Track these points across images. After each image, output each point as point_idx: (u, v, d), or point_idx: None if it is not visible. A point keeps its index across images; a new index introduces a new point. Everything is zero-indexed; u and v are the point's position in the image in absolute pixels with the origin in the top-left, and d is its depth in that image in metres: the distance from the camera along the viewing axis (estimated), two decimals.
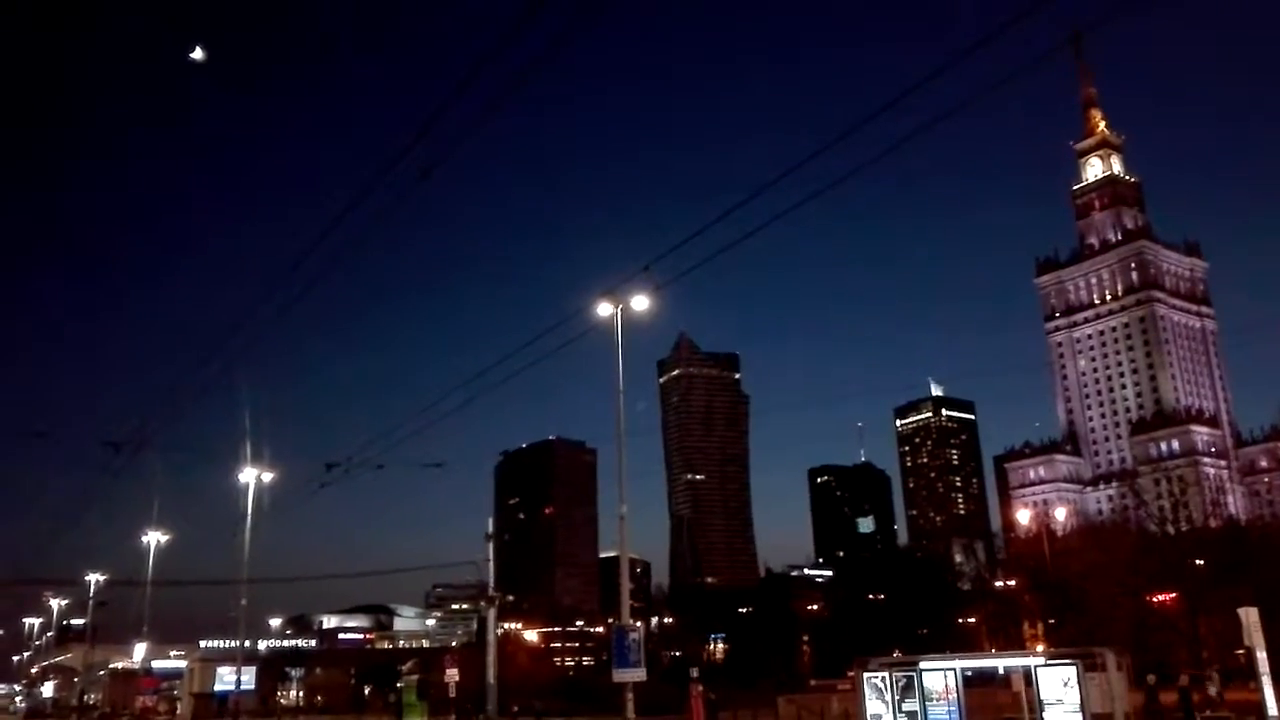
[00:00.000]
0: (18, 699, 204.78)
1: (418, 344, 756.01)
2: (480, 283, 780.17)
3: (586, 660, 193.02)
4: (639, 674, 41.99)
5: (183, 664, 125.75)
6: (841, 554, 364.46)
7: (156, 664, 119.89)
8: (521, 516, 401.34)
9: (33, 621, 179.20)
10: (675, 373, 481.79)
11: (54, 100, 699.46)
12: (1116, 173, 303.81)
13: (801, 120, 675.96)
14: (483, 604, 58.36)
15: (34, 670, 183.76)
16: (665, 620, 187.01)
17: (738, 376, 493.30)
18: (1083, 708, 31.09)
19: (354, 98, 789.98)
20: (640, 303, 42.84)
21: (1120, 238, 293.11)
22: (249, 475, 72.48)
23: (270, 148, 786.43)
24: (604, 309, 43.28)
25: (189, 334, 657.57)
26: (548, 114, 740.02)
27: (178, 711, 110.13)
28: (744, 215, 25.31)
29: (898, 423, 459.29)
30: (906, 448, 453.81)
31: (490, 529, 57.45)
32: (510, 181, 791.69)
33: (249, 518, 72.37)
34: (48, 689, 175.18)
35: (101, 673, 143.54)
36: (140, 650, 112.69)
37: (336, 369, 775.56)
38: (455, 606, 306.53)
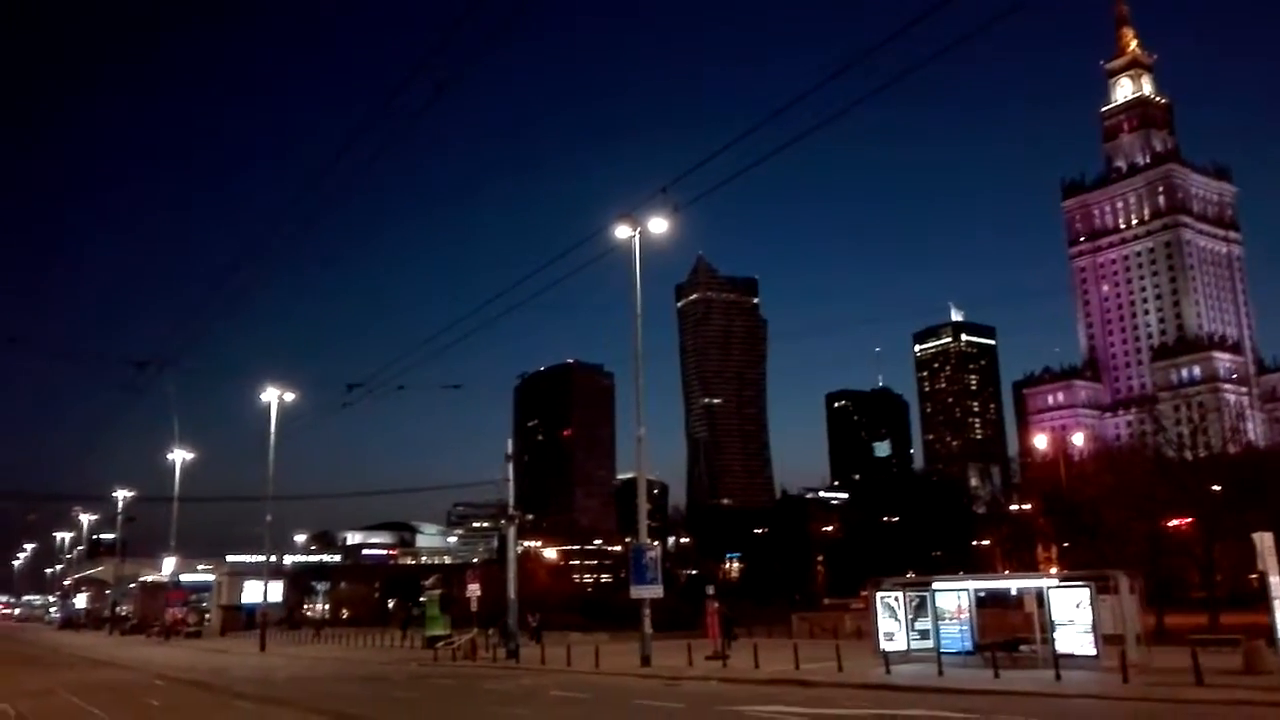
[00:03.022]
0: (52, 609, 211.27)
1: (437, 266, 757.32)
2: (499, 205, 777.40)
3: (605, 578, 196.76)
4: (656, 591, 42.87)
5: (210, 578, 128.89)
6: (857, 478, 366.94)
7: (185, 577, 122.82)
8: (540, 438, 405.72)
9: (64, 535, 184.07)
10: (693, 296, 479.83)
11: (74, 14, 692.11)
12: (1147, 94, 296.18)
13: (823, 42, 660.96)
14: (503, 522, 59.40)
15: (67, 583, 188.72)
16: (682, 540, 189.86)
17: (756, 300, 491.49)
18: (1094, 629, 31.53)
19: (369, 15, 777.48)
20: (658, 225, 42.62)
21: (1149, 161, 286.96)
22: (271, 395, 74.03)
23: (289, 68, 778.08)
24: (622, 231, 43.13)
25: (213, 257, 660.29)
26: (567, 33, 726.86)
27: (206, 622, 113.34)
28: (764, 137, 25.05)
29: (916, 348, 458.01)
30: (925, 373, 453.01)
31: (510, 450, 58.06)
32: (529, 102, 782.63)
33: (273, 437, 74.03)
34: (80, 600, 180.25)
35: (132, 585, 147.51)
36: (169, 564, 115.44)
37: (357, 291, 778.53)
38: (476, 525, 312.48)
